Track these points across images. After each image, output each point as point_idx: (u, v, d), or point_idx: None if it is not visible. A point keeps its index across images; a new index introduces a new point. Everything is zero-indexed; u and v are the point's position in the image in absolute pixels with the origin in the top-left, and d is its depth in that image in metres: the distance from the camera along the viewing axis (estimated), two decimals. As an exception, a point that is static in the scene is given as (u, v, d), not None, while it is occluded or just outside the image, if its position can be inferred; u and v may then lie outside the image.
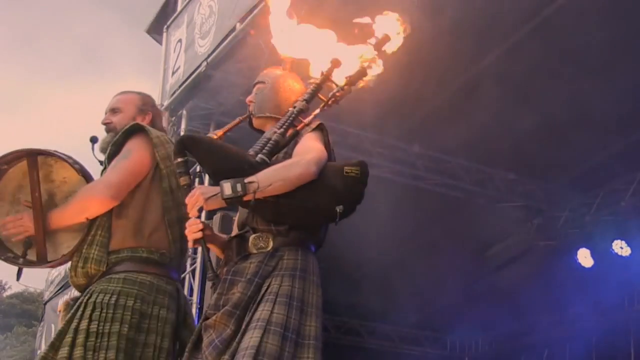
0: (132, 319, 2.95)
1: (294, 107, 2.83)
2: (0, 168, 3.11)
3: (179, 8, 8.86)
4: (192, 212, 2.67)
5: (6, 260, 3.11)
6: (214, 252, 2.90)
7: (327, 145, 2.78)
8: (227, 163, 2.63)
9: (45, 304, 12.87)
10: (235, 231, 2.85)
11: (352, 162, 2.67)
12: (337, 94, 2.85)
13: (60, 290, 11.84)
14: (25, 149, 3.11)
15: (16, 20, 70.62)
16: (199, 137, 2.82)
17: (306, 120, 2.82)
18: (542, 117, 7.74)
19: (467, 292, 10.24)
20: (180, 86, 8.17)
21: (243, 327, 2.57)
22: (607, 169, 8.72)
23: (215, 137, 2.95)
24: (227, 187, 2.53)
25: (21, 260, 3.09)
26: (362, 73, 2.85)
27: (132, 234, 3.10)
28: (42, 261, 3.08)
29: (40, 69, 77.80)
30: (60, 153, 3.16)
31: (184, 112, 8.27)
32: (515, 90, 7.22)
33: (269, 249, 2.68)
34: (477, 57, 7.43)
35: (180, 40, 8.49)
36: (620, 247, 9.38)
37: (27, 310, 25.82)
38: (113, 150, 3.17)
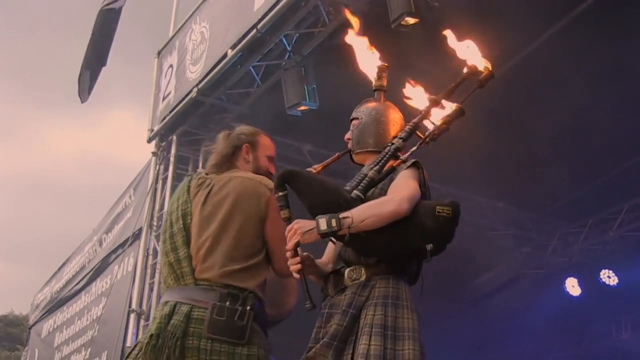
0: None
1: (391, 145, 2.87)
2: None
3: (170, 34, 8.90)
4: (289, 245, 2.70)
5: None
6: (315, 282, 2.93)
7: (422, 182, 2.82)
8: (323, 197, 2.72)
9: (30, 328, 12.72)
10: (329, 264, 2.91)
11: (445, 202, 2.71)
12: (435, 132, 2.87)
13: (45, 315, 11.72)
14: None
15: (6, 51, 70.33)
16: (298, 171, 2.85)
17: (403, 157, 2.85)
18: (530, 146, 7.80)
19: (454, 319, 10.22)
20: (170, 112, 8.16)
21: None
22: (596, 198, 8.76)
23: (314, 171, 2.99)
24: (322, 222, 2.62)
25: None
26: (459, 113, 2.85)
27: None
28: None
29: (30, 100, 77.43)
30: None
31: (174, 137, 8.27)
32: (504, 121, 7.26)
33: (362, 279, 2.75)
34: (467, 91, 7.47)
35: (171, 66, 8.51)
36: (608, 277, 9.45)
37: (11, 333, 25.49)
38: None
